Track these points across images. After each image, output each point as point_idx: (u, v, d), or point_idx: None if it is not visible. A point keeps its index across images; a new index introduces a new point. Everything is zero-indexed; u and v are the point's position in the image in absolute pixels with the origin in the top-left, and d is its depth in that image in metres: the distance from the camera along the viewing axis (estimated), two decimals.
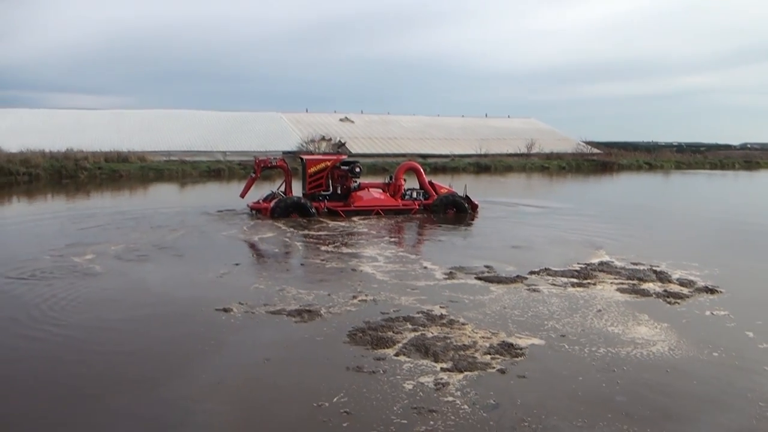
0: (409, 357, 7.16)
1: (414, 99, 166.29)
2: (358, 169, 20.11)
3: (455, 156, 50.02)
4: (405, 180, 21.01)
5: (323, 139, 48.72)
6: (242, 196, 20.22)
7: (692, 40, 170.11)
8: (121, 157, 39.00)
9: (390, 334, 7.91)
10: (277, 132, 51.75)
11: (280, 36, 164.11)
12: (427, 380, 6.48)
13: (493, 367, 6.89)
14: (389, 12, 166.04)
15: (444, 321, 8.52)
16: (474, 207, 20.29)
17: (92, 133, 45.77)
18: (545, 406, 5.93)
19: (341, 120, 58.28)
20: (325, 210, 19.39)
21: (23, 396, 6.23)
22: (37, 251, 13.25)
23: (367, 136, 54.41)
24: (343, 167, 20.20)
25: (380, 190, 20.60)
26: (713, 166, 58.09)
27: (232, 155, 43.42)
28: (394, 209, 19.71)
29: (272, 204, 18.96)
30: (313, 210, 18.92)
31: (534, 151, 54.34)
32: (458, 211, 19.77)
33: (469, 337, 7.90)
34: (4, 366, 7.10)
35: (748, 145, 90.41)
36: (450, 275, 11.35)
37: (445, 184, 21.73)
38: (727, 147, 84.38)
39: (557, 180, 40.85)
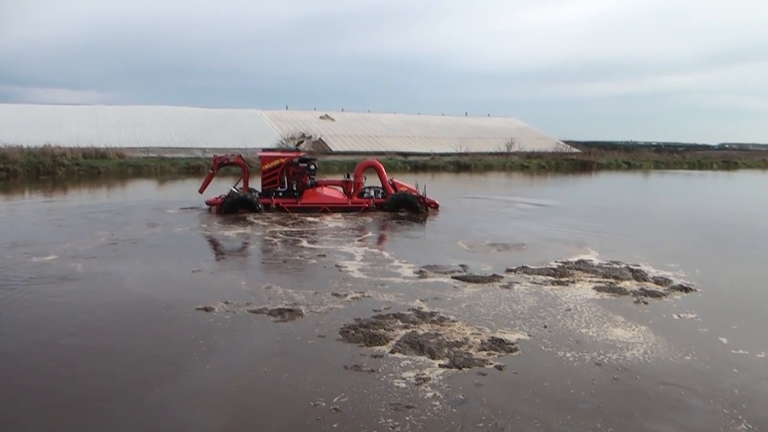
0: (405, 354, 7.14)
1: (395, 97, 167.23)
2: (312, 167, 20.24)
3: (435, 154, 50.05)
4: (365, 178, 21.12)
5: (303, 136, 48.61)
6: (201, 191, 20.51)
7: (672, 42, 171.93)
8: (99, 154, 38.70)
9: (382, 331, 7.90)
10: (256, 129, 51.50)
11: (261, 33, 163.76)
12: (428, 376, 6.50)
13: (490, 363, 6.92)
14: (370, 10, 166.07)
15: (434, 318, 8.53)
16: (427, 205, 20.01)
17: (70, 128, 45.33)
18: (509, 406, 5.91)
19: (321, 117, 58.12)
20: (274, 206, 19.50)
21: (5, 405, 5.98)
22: None
23: (347, 133, 54.29)
24: (301, 164, 20.26)
25: (340, 188, 20.67)
26: (691, 166, 58.63)
27: (212, 152, 43.07)
28: (342, 207, 19.67)
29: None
30: (260, 206, 19.10)
31: (514, 149, 54.58)
32: (411, 210, 19.59)
33: (459, 333, 7.90)
34: None
35: (726, 146, 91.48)
36: (427, 274, 11.29)
37: (423, 182, 21.70)
38: (706, 147, 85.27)
39: (537, 179, 41.03)
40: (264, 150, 43.66)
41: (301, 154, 21.06)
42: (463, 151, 51.52)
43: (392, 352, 7.22)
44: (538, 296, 9.84)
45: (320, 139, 50.64)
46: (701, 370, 6.87)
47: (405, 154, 48.68)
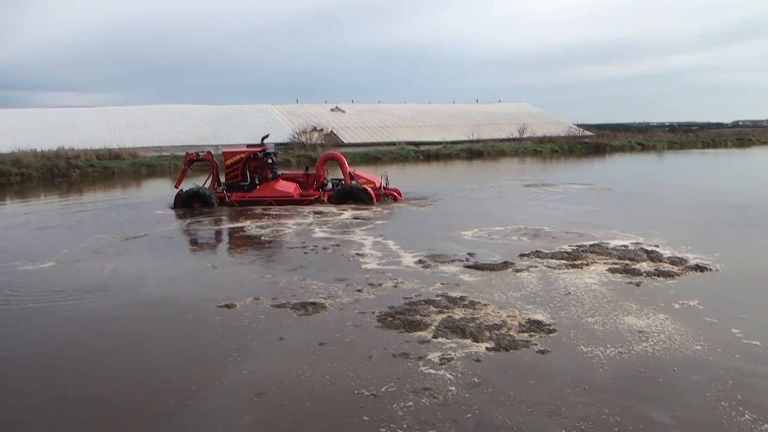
0: (448, 338, 7.08)
1: (405, 87, 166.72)
2: (270, 161, 20.67)
3: (447, 143, 49.81)
4: (327, 171, 21.35)
5: (315, 129, 48.49)
6: (176, 187, 20.65)
7: (680, 19, 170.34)
8: (113, 154, 38.77)
9: (418, 317, 7.84)
10: (268, 124, 51.28)
11: (268, 28, 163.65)
12: (481, 358, 6.47)
13: (535, 344, 6.88)
14: (376, 1, 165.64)
15: (465, 302, 8.48)
16: (375, 197, 19.67)
17: (83, 131, 45.36)
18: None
19: (332, 110, 57.96)
20: (228, 200, 19.84)
21: (47, 413, 5.86)
22: None
23: (358, 125, 54.12)
24: (268, 159, 20.66)
25: (299, 181, 20.82)
26: (705, 145, 58.04)
27: (224, 148, 43.08)
28: (288, 200, 19.75)
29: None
30: (213, 200, 19.53)
31: (526, 135, 54.24)
32: (357, 201, 19.41)
33: (495, 316, 7.84)
34: (22, 380, 6.70)
35: (740, 123, 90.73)
36: (443, 261, 11.16)
37: (386, 172, 21.76)
38: (719, 125, 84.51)
39: (551, 163, 40.77)
40: (277, 145, 43.69)
41: (259, 149, 21.08)
42: (475, 138, 51.24)
43: (435, 336, 7.16)
44: (552, 280, 9.70)
45: (332, 131, 50.53)
46: (706, 361, 6.50)
47: (417, 144, 48.50)
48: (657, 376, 6.09)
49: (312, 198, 19.86)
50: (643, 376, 6.09)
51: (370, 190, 19.71)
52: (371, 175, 21.25)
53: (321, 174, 20.80)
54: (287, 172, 22.49)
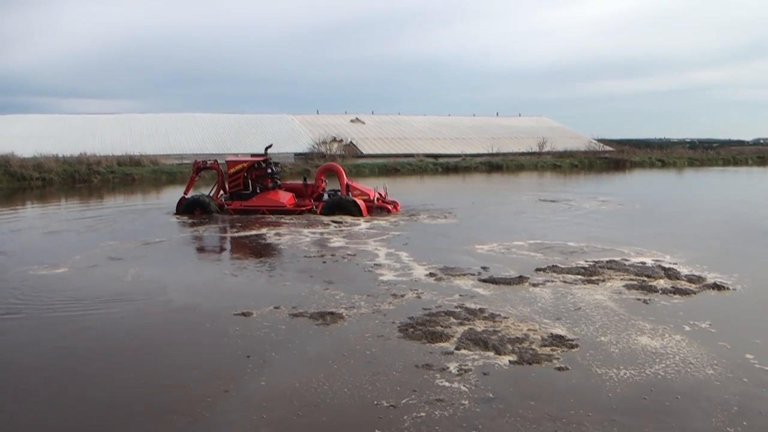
0: (470, 350, 7.01)
1: (425, 99, 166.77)
2: (270, 170, 20.87)
3: (466, 155, 49.75)
4: (326, 182, 21.43)
5: (334, 140, 48.63)
6: (185, 194, 20.81)
7: (702, 35, 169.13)
8: (134, 161, 39.17)
9: (439, 328, 7.76)
10: (288, 134, 51.61)
11: (290, 38, 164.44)
12: (500, 372, 6.39)
13: (558, 358, 6.81)
14: (396, 14, 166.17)
15: (485, 314, 8.40)
16: (366, 208, 19.55)
17: (105, 137, 45.84)
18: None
19: (352, 121, 58.11)
20: (225, 208, 20.19)
21: (63, 421, 5.86)
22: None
23: (377, 136, 54.21)
24: (268, 169, 20.87)
25: (298, 191, 21.01)
26: (726, 163, 57.38)
27: (244, 157, 43.24)
28: (281, 209, 19.86)
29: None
30: (213, 207, 19.95)
31: (546, 149, 54.03)
32: (345, 213, 19.36)
33: (516, 329, 7.76)
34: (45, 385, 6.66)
35: (761, 141, 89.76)
36: (457, 274, 11.04)
37: (384, 185, 21.83)
38: (740, 143, 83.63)
39: (570, 178, 40.56)
40: (296, 155, 43.98)
41: (260, 159, 21.26)
42: (494, 151, 51.14)
43: (457, 348, 7.10)
44: (565, 296, 9.56)
45: (351, 142, 50.65)
46: (716, 383, 6.32)
47: (435, 156, 48.47)
48: (665, 400, 5.94)
49: (305, 208, 19.95)
50: (653, 399, 5.96)
51: (360, 202, 19.63)
52: (367, 187, 21.23)
53: (319, 185, 20.92)
54: (288, 182, 22.72)
